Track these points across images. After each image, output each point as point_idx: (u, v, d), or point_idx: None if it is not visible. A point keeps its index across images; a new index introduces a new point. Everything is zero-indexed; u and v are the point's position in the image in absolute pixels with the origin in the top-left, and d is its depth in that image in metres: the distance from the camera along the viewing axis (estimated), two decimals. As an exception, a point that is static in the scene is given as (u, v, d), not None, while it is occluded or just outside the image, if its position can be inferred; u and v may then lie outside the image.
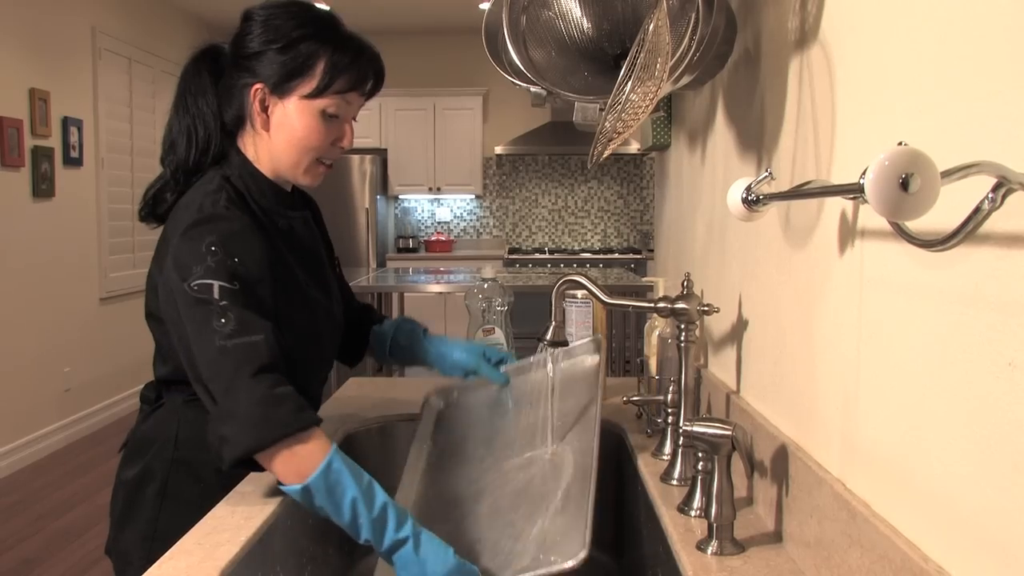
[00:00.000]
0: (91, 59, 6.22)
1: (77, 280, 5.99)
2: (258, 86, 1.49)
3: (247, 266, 1.41)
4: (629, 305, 1.62)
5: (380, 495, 1.31)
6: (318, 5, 1.57)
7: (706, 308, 1.44)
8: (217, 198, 1.46)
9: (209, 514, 1.33)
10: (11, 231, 5.25)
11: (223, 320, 1.34)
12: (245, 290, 1.38)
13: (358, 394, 2.11)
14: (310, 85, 1.49)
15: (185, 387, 1.51)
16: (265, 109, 1.51)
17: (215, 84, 1.56)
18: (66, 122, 5.85)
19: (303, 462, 1.30)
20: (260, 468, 1.34)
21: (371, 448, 1.87)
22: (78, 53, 6.08)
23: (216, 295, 1.35)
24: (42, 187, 5.56)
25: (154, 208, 1.58)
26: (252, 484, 1.46)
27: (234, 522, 1.30)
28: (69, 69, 5.94)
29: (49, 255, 5.64)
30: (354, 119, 1.58)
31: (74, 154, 5.95)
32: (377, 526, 1.28)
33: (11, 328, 5.25)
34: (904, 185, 0.66)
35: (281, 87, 1.49)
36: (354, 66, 1.51)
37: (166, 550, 1.22)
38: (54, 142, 5.72)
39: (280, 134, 1.52)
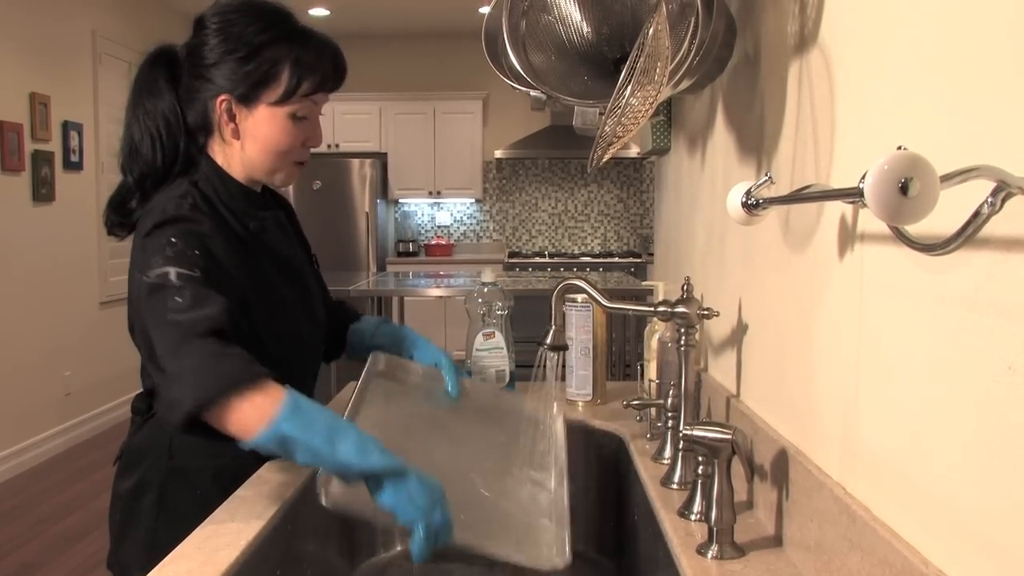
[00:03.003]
0: (91, 63, 6.23)
1: (77, 284, 5.99)
2: (223, 97, 1.49)
3: (207, 260, 1.40)
4: (629, 309, 1.62)
5: (353, 427, 1.29)
6: (273, 1, 1.56)
7: (706, 312, 1.44)
8: (182, 202, 1.46)
9: (209, 518, 1.33)
10: (11, 235, 5.25)
11: (178, 299, 1.33)
12: (203, 278, 1.37)
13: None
14: (276, 92, 1.49)
15: None
16: (232, 118, 1.51)
17: (173, 88, 1.55)
18: (66, 126, 5.86)
19: (260, 410, 1.26)
20: (213, 434, 1.29)
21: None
22: (78, 57, 6.08)
23: (173, 279, 1.35)
24: (42, 191, 5.56)
25: (122, 219, 1.56)
26: (252, 489, 1.46)
27: (234, 526, 1.29)
28: (69, 73, 5.95)
29: (49, 259, 5.65)
30: (320, 115, 1.59)
31: (74, 158, 5.96)
32: (361, 449, 1.23)
33: (11, 332, 5.25)
34: (903, 189, 0.66)
35: (247, 97, 1.49)
36: (318, 66, 1.52)
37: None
38: (54, 146, 5.73)
39: (251, 142, 1.52)
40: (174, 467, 1.53)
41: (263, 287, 1.54)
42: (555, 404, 1.65)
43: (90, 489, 4.92)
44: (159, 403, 1.34)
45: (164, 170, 1.53)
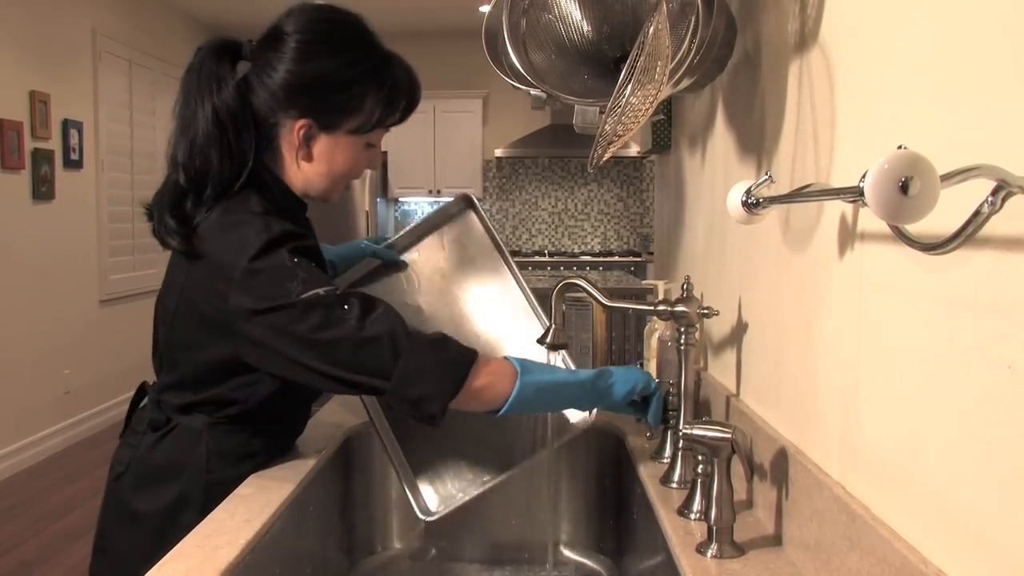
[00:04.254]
0: (91, 61, 6.22)
1: (77, 282, 5.99)
2: (304, 122, 1.45)
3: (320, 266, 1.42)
4: (629, 308, 1.62)
5: (566, 372, 1.50)
6: (354, 18, 1.53)
7: (706, 311, 1.44)
8: (268, 220, 1.40)
9: (209, 516, 1.33)
10: (11, 233, 5.25)
11: (346, 307, 1.33)
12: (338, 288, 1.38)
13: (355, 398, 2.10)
14: (358, 121, 1.48)
15: (213, 408, 1.47)
16: (308, 142, 1.48)
17: (235, 85, 1.45)
18: (66, 124, 5.85)
19: (501, 374, 1.40)
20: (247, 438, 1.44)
21: (369, 451, 1.87)
22: (79, 55, 6.08)
23: (325, 292, 1.33)
24: (42, 189, 5.56)
25: (179, 224, 1.42)
26: (252, 487, 1.46)
27: (234, 524, 1.29)
28: (69, 71, 5.94)
29: (49, 257, 5.64)
30: None
31: (74, 156, 5.95)
32: (589, 384, 1.46)
33: (11, 330, 5.25)
34: (904, 188, 0.66)
35: (330, 125, 1.47)
36: (400, 101, 1.52)
37: None
38: (54, 144, 5.72)
39: (322, 164, 1.50)
40: (213, 481, 1.46)
41: None
42: None
43: (89, 488, 4.91)
44: (396, 404, 1.37)
45: (231, 174, 1.43)
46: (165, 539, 1.37)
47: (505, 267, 1.81)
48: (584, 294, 1.59)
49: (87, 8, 6.18)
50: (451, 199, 1.93)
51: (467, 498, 1.61)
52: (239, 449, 1.50)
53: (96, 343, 6.18)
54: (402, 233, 1.90)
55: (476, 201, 1.89)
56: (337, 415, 1.93)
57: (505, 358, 1.44)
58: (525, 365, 1.42)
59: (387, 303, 1.39)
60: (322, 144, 1.48)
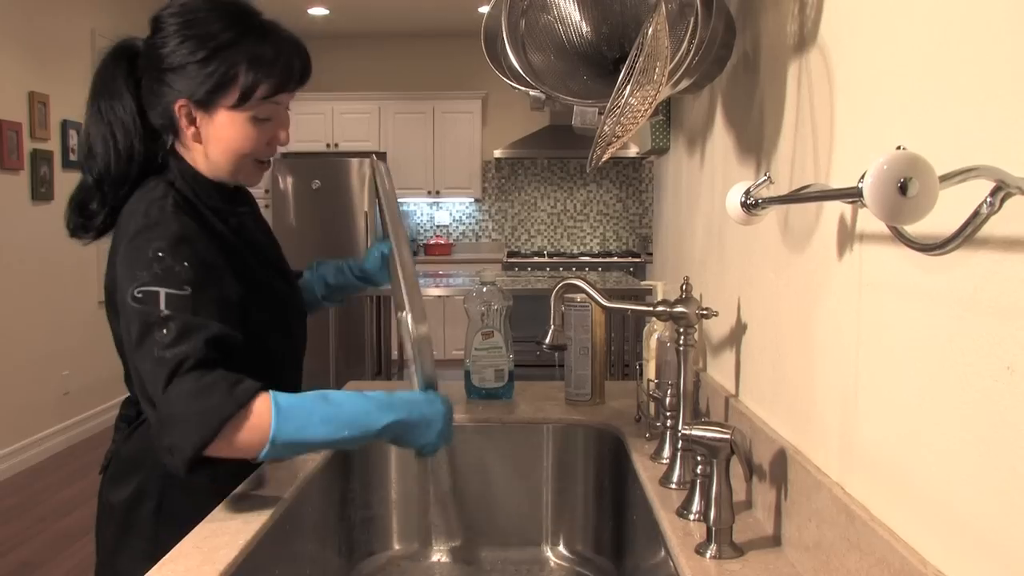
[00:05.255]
0: (90, 62, 6.21)
1: (76, 283, 5.99)
2: (182, 102, 1.46)
3: (196, 268, 1.38)
4: (628, 309, 1.62)
5: (340, 399, 1.36)
6: None
7: (705, 312, 1.44)
8: (164, 204, 1.43)
9: (208, 517, 1.33)
10: (10, 234, 5.25)
11: (164, 331, 1.30)
12: (196, 294, 1.35)
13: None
14: (234, 96, 1.46)
15: None
16: (193, 122, 1.48)
17: (133, 86, 1.51)
18: (65, 125, 5.86)
19: (254, 431, 1.29)
20: (213, 467, 1.31)
21: (368, 451, 1.87)
22: (77, 56, 6.08)
23: (162, 304, 1.32)
24: (41, 190, 5.56)
25: (84, 220, 1.53)
26: (251, 487, 1.46)
27: (233, 525, 1.30)
28: (68, 72, 5.94)
29: (48, 258, 5.64)
30: (288, 109, 1.56)
31: (73, 157, 5.95)
32: (361, 421, 1.35)
33: (10, 331, 5.25)
34: (903, 189, 0.66)
35: (205, 102, 1.46)
36: (275, 68, 1.47)
37: None
38: (53, 145, 5.73)
39: (212, 145, 1.49)
40: (169, 473, 1.45)
41: (252, 283, 1.53)
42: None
43: (89, 488, 4.91)
44: (157, 448, 1.32)
45: (121, 173, 1.49)
46: (128, 531, 1.48)
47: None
48: (583, 295, 1.59)
49: (86, 9, 6.19)
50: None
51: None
52: None
53: (95, 344, 6.17)
54: (380, 225, 1.91)
55: (376, 164, 1.82)
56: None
57: (278, 403, 1.32)
58: (285, 422, 1.30)
59: (207, 336, 1.32)
60: (205, 124, 1.48)
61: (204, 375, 1.29)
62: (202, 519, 1.35)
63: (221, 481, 1.46)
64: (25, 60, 5.45)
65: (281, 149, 1.60)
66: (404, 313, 1.45)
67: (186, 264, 1.36)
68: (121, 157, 1.49)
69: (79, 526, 4.33)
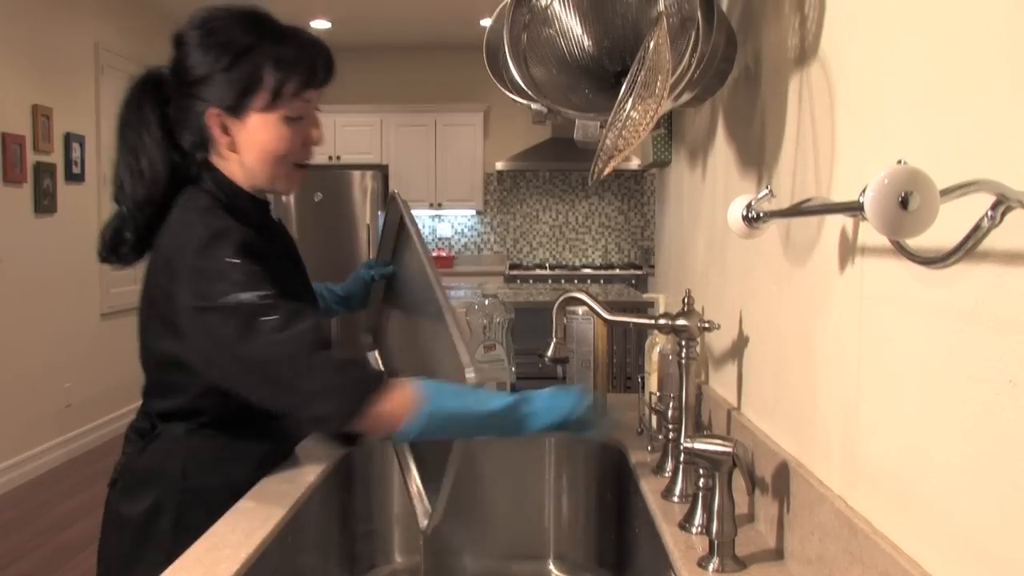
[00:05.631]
0: (94, 75, 6.25)
1: (78, 296, 5.99)
2: (213, 111, 1.47)
3: (266, 269, 1.40)
4: (630, 322, 1.62)
5: (483, 394, 1.41)
6: (249, 6, 1.53)
7: (706, 325, 1.44)
8: (216, 213, 1.45)
9: (209, 531, 1.33)
10: (13, 246, 5.26)
11: (273, 316, 1.34)
12: (278, 291, 1.38)
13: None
14: (264, 97, 1.47)
15: (190, 417, 1.50)
16: (226, 131, 1.49)
17: (160, 112, 1.53)
18: (68, 138, 5.87)
19: (403, 399, 1.35)
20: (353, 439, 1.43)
21: (370, 464, 1.87)
22: (81, 70, 6.10)
23: (251, 299, 1.34)
24: (44, 203, 5.57)
25: (115, 248, 1.54)
26: (254, 500, 1.46)
27: (235, 539, 1.29)
28: (72, 85, 5.96)
29: (51, 271, 5.65)
30: (317, 110, 1.57)
31: (76, 170, 5.97)
32: (502, 416, 1.39)
33: (13, 343, 5.26)
34: (903, 203, 0.66)
35: (236, 107, 1.47)
36: (300, 63, 1.49)
37: None
38: (56, 158, 5.74)
39: (249, 152, 1.50)
40: (189, 487, 1.49)
41: (290, 294, 1.54)
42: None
43: (90, 501, 4.91)
44: (298, 422, 1.39)
45: (145, 196, 1.51)
46: (144, 545, 1.47)
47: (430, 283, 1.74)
48: (585, 307, 1.59)
49: (90, 23, 6.20)
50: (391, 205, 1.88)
51: (447, 483, 1.50)
52: (215, 456, 1.52)
53: (97, 356, 6.18)
54: (380, 249, 1.91)
55: (399, 199, 1.84)
56: (338, 429, 1.93)
57: (422, 381, 1.39)
58: (434, 394, 1.38)
59: (315, 319, 1.38)
60: (239, 130, 1.49)
61: (335, 353, 1.36)
62: None
63: (239, 492, 1.48)
64: (29, 73, 5.47)
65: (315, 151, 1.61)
66: (461, 356, 1.46)
67: (259, 268, 1.39)
68: (145, 180, 1.51)
69: (80, 539, 4.32)
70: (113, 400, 6.33)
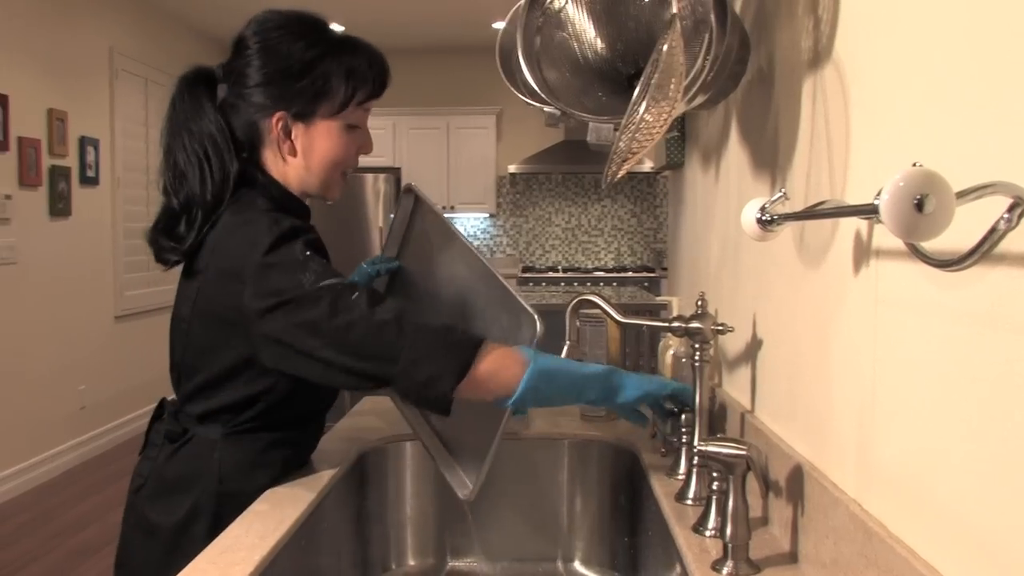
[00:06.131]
0: (108, 79, 6.28)
1: (93, 298, 6.02)
2: (279, 115, 1.49)
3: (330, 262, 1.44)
4: (644, 324, 1.62)
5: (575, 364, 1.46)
6: (309, 13, 1.56)
7: (720, 328, 1.44)
8: (276, 216, 1.45)
9: (224, 533, 1.33)
10: (29, 249, 5.29)
11: (356, 295, 1.36)
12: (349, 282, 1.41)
13: (372, 411, 2.11)
14: (333, 105, 1.50)
15: (227, 417, 1.49)
16: (289, 135, 1.51)
17: (216, 108, 1.53)
18: (83, 142, 5.90)
19: (512, 360, 1.38)
20: (254, 480, 1.45)
21: (383, 467, 1.87)
22: (96, 74, 6.13)
23: (335, 283, 1.37)
24: (59, 206, 5.60)
25: (175, 244, 1.51)
26: (268, 503, 1.46)
27: (249, 541, 1.30)
28: (87, 89, 6.00)
29: (65, 273, 5.68)
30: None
31: (90, 173, 6.00)
32: (597, 381, 1.43)
33: (28, 346, 5.29)
34: (919, 206, 0.66)
35: (304, 114, 1.50)
36: (369, 74, 1.54)
37: None
38: (71, 161, 5.77)
39: (309, 156, 1.53)
40: (224, 492, 1.47)
41: None
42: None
43: (105, 503, 4.93)
44: (404, 392, 1.39)
45: (218, 193, 1.49)
46: (177, 551, 1.42)
47: (464, 245, 1.75)
48: (598, 310, 1.59)
49: (104, 27, 6.24)
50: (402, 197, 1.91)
51: (490, 457, 1.52)
52: (252, 460, 1.51)
53: (111, 359, 6.21)
54: (386, 244, 1.92)
55: (418, 191, 1.87)
56: (352, 431, 1.93)
57: (517, 348, 1.42)
58: (537, 353, 1.41)
59: (395, 301, 1.42)
60: (302, 135, 1.52)
61: (430, 321, 1.39)
62: None
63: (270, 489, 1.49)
64: (44, 77, 5.50)
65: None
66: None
67: (326, 261, 1.43)
68: (214, 180, 1.49)
69: (95, 541, 4.34)
70: (127, 402, 6.36)
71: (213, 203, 1.49)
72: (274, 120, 1.50)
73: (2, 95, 5.04)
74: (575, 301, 1.58)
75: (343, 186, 1.60)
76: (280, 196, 1.54)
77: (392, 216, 1.92)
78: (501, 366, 1.38)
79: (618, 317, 1.54)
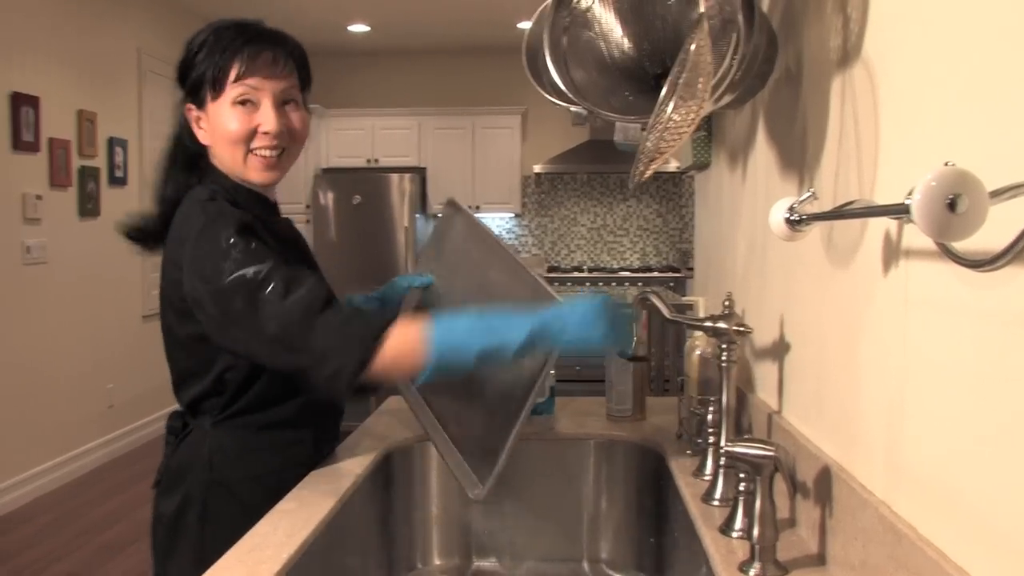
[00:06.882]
0: (136, 80, 6.33)
1: (120, 298, 6.07)
2: (188, 107, 1.61)
3: (267, 245, 1.48)
4: (685, 322, 1.62)
5: (488, 312, 1.44)
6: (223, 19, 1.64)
7: (740, 328, 1.43)
8: (215, 200, 1.54)
9: (252, 531, 1.34)
10: (59, 249, 5.34)
11: (272, 286, 1.40)
12: (277, 262, 1.44)
13: (398, 410, 2.12)
14: (211, 86, 1.56)
15: (209, 405, 1.57)
16: (198, 122, 1.60)
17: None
18: (111, 142, 5.95)
19: (411, 339, 1.39)
20: (373, 391, 1.45)
21: (409, 466, 1.88)
22: (124, 75, 6.18)
23: (253, 275, 1.41)
24: (88, 206, 5.65)
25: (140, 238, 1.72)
26: (295, 501, 1.47)
27: (276, 539, 1.30)
28: (115, 90, 6.05)
29: (94, 273, 5.73)
30: (294, 103, 1.62)
31: (119, 173, 6.05)
32: (507, 330, 1.39)
33: (57, 345, 5.34)
34: (951, 206, 0.66)
35: (196, 98, 1.59)
36: (238, 52, 1.56)
37: None
38: (100, 162, 5.82)
39: (214, 140, 1.60)
40: (215, 479, 1.55)
41: None
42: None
43: (132, 501, 4.97)
44: (314, 387, 1.44)
45: (162, 197, 1.67)
46: (176, 536, 1.56)
47: (505, 252, 1.77)
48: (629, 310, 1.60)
49: (133, 29, 6.29)
50: (442, 210, 1.93)
51: (504, 456, 1.51)
52: (240, 446, 1.57)
53: (138, 358, 6.25)
54: (421, 257, 1.94)
55: (459, 204, 1.91)
56: (379, 430, 1.94)
57: (419, 324, 1.41)
58: (438, 323, 1.41)
59: (315, 279, 1.45)
60: (205, 120, 1.60)
61: (339, 309, 1.43)
62: (246, 523, 1.38)
63: (265, 486, 1.53)
64: (74, 79, 5.55)
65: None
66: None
67: (254, 245, 1.46)
68: (162, 177, 1.70)
69: (121, 539, 4.38)
70: (154, 401, 6.40)
71: (166, 201, 1.65)
72: (186, 111, 1.62)
73: (33, 97, 5.10)
74: (637, 297, 1.65)
75: (262, 167, 1.59)
76: (227, 186, 1.60)
77: (423, 225, 1.94)
78: (401, 352, 1.40)
79: (668, 315, 1.56)
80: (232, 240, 1.44)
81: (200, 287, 1.45)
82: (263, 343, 1.42)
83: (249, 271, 1.41)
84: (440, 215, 1.90)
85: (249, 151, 1.57)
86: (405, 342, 1.39)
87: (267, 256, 1.44)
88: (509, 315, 1.42)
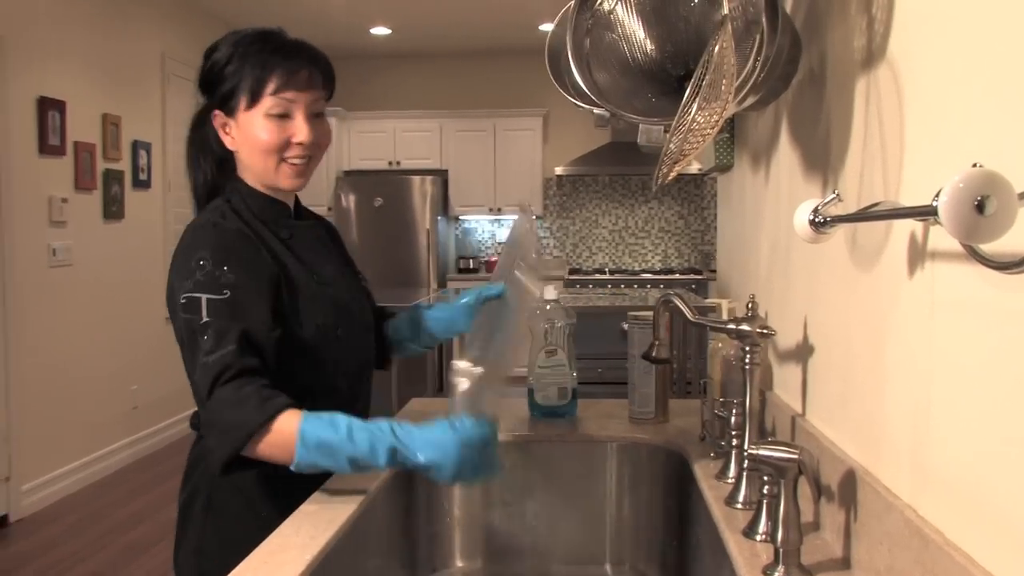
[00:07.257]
0: (160, 84, 6.38)
1: (144, 300, 6.11)
2: (216, 113, 1.64)
3: (236, 273, 1.51)
4: (709, 324, 1.61)
5: (359, 430, 1.41)
6: (246, 29, 1.66)
7: (763, 330, 1.42)
8: (212, 218, 1.59)
9: (275, 532, 1.35)
10: (84, 252, 5.39)
11: (205, 337, 1.46)
12: (235, 296, 1.49)
13: (421, 411, 2.12)
14: (244, 96, 1.59)
15: None
16: (226, 129, 1.64)
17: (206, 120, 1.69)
18: (136, 146, 6.00)
19: (278, 446, 1.41)
20: (251, 465, 1.46)
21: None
22: (148, 79, 6.23)
23: (203, 310, 1.47)
24: (112, 209, 5.70)
25: None
26: (318, 504, 1.47)
27: (299, 541, 1.31)
28: (139, 94, 6.10)
29: (118, 275, 5.78)
30: (321, 115, 1.66)
31: (143, 176, 6.10)
32: (372, 450, 1.39)
33: (82, 346, 5.38)
34: (980, 207, 0.65)
35: (227, 107, 1.62)
36: (276, 67, 1.59)
37: (213, 563, 1.35)
38: (124, 165, 5.87)
39: (244, 148, 1.63)
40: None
41: (300, 286, 1.62)
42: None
43: (156, 501, 5.00)
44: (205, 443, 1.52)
45: (202, 195, 1.72)
46: (184, 526, 1.64)
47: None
48: (648, 313, 1.59)
49: (157, 33, 6.34)
50: (515, 217, 1.92)
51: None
52: None
53: (162, 359, 6.28)
54: (499, 266, 1.93)
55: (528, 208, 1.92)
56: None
57: (302, 418, 1.42)
58: (313, 428, 1.40)
59: (238, 343, 1.45)
60: (234, 128, 1.63)
61: (243, 386, 1.44)
62: (246, 517, 1.50)
63: (269, 482, 1.56)
64: (100, 83, 5.60)
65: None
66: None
67: (226, 269, 1.50)
68: (196, 183, 1.75)
69: (146, 538, 4.40)
70: (178, 402, 6.44)
71: (202, 199, 1.72)
72: (214, 118, 1.65)
73: (60, 101, 5.15)
74: (660, 299, 1.64)
75: (292, 175, 1.65)
76: (247, 197, 1.66)
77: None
78: (272, 451, 1.42)
79: (691, 317, 1.55)
80: (201, 262, 1.50)
81: (168, 297, 1.54)
82: (190, 378, 1.49)
83: (202, 298, 1.47)
84: (520, 218, 1.91)
85: (282, 160, 1.62)
86: (276, 444, 1.41)
87: (225, 287, 1.48)
88: (375, 431, 1.41)
